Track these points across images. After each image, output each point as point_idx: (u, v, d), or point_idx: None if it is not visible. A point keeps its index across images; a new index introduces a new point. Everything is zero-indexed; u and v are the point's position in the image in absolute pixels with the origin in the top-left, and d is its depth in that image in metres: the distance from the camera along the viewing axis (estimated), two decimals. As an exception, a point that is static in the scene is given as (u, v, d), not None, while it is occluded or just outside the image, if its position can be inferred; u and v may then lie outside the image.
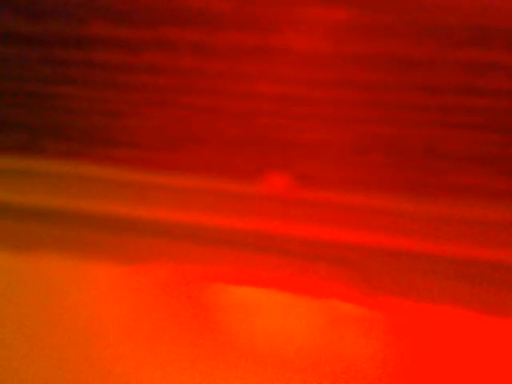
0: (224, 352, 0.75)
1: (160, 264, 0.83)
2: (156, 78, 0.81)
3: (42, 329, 0.79)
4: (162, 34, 0.75)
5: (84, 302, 0.81)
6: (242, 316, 0.78)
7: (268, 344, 0.75)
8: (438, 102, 0.75)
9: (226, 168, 0.90)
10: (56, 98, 0.86)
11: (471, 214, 0.81)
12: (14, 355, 0.78)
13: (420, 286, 0.76)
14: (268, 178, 0.88)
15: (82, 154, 0.94)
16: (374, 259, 0.79)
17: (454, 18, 0.66)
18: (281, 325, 0.77)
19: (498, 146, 0.77)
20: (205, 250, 0.83)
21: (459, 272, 0.77)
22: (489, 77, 0.71)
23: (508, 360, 0.70)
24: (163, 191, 0.90)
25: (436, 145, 0.80)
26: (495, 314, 0.72)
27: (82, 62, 0.81)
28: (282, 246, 0.83)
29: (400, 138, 0.80)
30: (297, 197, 0.87)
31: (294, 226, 0.84)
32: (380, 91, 0.76)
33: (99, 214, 0.89)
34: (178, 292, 0.80)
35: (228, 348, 0.76)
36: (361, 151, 0.83)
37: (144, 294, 0.81)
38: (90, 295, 0.81)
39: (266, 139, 0.85)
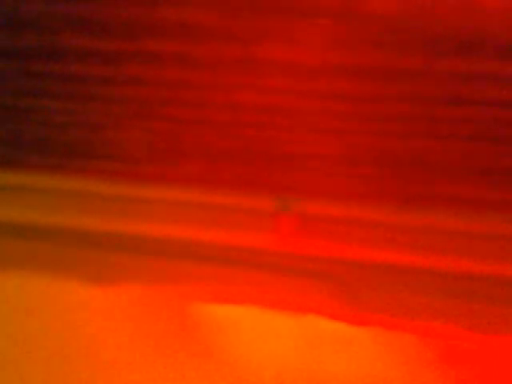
0: (205, 370, 0.74)
1: (141, 281, 0.81)
2: (139, 90, 0.79)
3: (24, 346, 0.77)
4: (145, 46, 0.74)
5: (62, 321, 0.79)
6: (223, 334, 0.76)
7: (250, 362, 0.74)
8: (427, 113, 0.75)
9: (212, 181, 0.89)
10: (37, 111, 0.84)
11: (462, 227, 0.80)
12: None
13: (408, 301, 0.75)
14: (254, 191, 0.87)
15: (64, 167, 0.92)
16: (361, 274, 0.78)
17: (441, 27, 0.65)
18: (263, 342, 0.75)
19: (489, 157, 0.76)
20: (186, 265, 0.82)
21: (449, 287, 0.75)
22: (478, 87, 0.71)
23: (500, 377, 0.69)
24: (147, 204, 0.88)
25: (425, 156, 0.79)
26: (487, 330, 0.71)
27: (64, 75, 0.79)
28: (266, 261, 0.81)
29: (389, 150, 0.79)
30: (283, 210, 0.85)
31: (280, 239, 0.83)
32: (368, 102, 0.75)
33: (81, 228, 0.88)
34: (159, 310, 0.79)
35: (210, 367, 0.74)
36: (349, 163, 0.82)
37: (125, 313, 0.79)
38: (69, 314, 0.79)
39: (253, 151, 0.84)
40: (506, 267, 0.75)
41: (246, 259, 0.82)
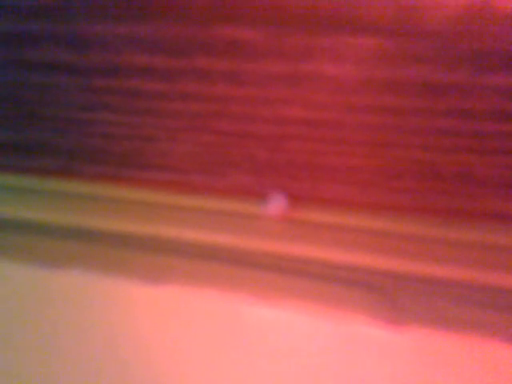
0: (248, 371, 0.75)
1: (189, 282, 0.84)
2: (191, 105, 0.83)
3: (66, 343, 0.81)
4: (197, 63, 0.77)
5: (114, 314, 0.83)
6: (259, 339, 0.77)
7: (286, 368, 0.74)
8: (473, 128, 0.74)
9: (258, 191, 0.91)
10: (96, 124, 0.89)
11: (504, 241, 0.78)
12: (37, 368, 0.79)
13: (448, 313, 0.74)
14: (297, 202, 0.88)
15: (118, 177, 0.97)
16: (403, 285, 0.78)
17: (488, 42, 0.65)
18: (299, 349, 0.76)
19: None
20: (234, 270, 0.84)
21: (490, 300, 0.74)
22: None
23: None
24: (194, 213, 0.92)
25: (470, 171, 0.78)
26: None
27: (122, 90, 0.84)
28: (309, 270, 0.82)
29: (433, 164, 0.79)
30: (325, 221, 0.86)
31: (321, 249, 0.84)
32: (413, 117, 0.75)
33: (133, 233, 0.91)
34: (206, 310, 0.81)
35: (254, 367, 0.75)
36: (392, 176, 0.82)
37: (173, 310, 0.81)
38: (120, 308, 0.83)
39: (299, 164, 0.85)
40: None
41: (289, 267, 0.83)
